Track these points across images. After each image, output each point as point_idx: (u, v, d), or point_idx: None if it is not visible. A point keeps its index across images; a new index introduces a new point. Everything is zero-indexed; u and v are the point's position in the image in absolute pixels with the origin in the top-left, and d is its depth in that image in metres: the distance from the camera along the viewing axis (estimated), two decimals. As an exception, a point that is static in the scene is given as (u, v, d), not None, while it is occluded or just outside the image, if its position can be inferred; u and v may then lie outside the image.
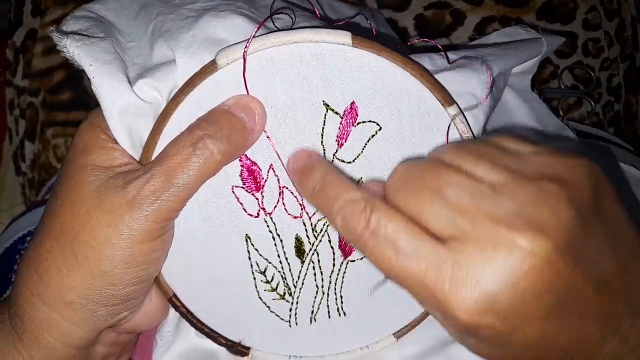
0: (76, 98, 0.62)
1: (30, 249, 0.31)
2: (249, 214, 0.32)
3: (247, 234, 0.33)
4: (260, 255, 0.33)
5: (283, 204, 0.32)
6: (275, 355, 0.36)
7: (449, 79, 0.32)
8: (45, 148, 0.64)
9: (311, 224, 0.33)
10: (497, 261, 0.24)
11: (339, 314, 0.35)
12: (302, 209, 0.32)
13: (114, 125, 0.30)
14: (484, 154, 0.27)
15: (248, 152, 0.31)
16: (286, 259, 0.33)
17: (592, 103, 0.59)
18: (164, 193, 0.29)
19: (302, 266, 0.34)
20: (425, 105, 0.31)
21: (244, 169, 0.31)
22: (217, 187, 0.31)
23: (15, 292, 0.31)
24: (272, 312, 0.35)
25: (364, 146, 0.32)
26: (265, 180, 0.32)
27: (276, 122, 0.31)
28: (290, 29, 0.31)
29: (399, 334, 0.36)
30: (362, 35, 0.30)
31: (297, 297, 0.34)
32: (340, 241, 0.33)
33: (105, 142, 0.31)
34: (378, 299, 0.35)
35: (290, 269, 0.34)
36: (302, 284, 0.34)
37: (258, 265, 0.33)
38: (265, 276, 0.34)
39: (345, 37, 0.30)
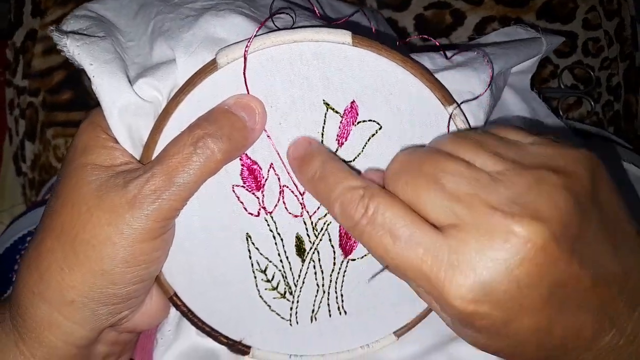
0: (76, 98, 0.62)
1: (30, 248, 0.31)
2: (249, 213, 0.32)
3: (247, 233, 0.33)
4: (261, 254, 0.33)
5: (283, 202, 0.32)
6: (276, 354, 0.36)
7: (449, 78, 0.32)
8: (45, 148, 0.64)
9: (312, 222, 0.33)
10: (493, 248, 0.24)
11: (340, 313, 0.35)
12: (302, 208, 0.32)
13: (114, 124, 0.30)
14: (483, 143, 0.27)
15: (248, 151, 0.31)
16: (287, 257, 0.33)
17: (592, 102, 0.59)
18: (164, 192, 0.29)
19: (302, 265, 0.34)
20: (426, 104, 0.31)
21: (245, 168, 0.31)
22: (217, 186, 0.31)
23: (16, 291, 0.31)
24: (272, 311, 0.35)
25: (364, 145, 0.32)
26: (266, 179, 0.32)
27: (276, 122, 0.31)
28: (291, 28, 0.31)
29: (400, 333, 0.36)
30: (362, 34, 0.30)
31: (298, 296, 0.34)
32: (340, 240, 0.33)
33: (105, 142, 0.31)
34: (379, 297, 0.35)
35: (290, 268, 0.34)
36: (303, 282, 0.34)
37: (259, 264, 0.33)
38: (266, 275, 0.34)
39: (345, 36, 0.30)
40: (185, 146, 0.29)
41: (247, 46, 0.30)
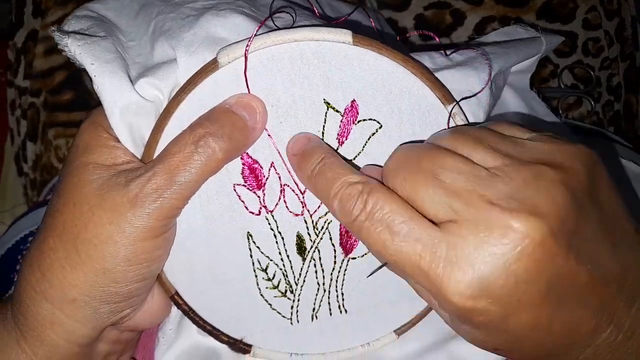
0: (77, 98, 0.62)
1: (32, 247, 0.31)
2: (250, 212, 0.32)
3: (248, 232, 0.33)
4: (262, 252, 0.33)
5: (284, 201, 0.32)
6: (276, 353, 0.36)
7: (449, 78, 0.33)
8: (47, 149, 0.64)
9: (312, 221, 0.33)
10: (491, 244, 0.24)
11: (340, 312, 0.35)
12: (303, 207, 0.33)
13: (115, 123, 0.30)
14: (481, 139, 0.27)
15: (249, 150, 0.31)
16: (287, 256, 0.33)
17: (592, 102, 0.59)
18: (166, 191, 0.29)
19: (303, 264, 0.34)
20: (426, 103, 0.31)
21: (246, 167, 0.32)
22: (218, 185, 0.31)
23: (19, 290, 0.31)
24: (273, 309, 0.35)
25: (365, 144, 0.32)
26: (267, 178, 0.32)
27: (277, 121, 0.31)
28: (291, 27, 0.31)
29: (400, 331, 0.36)
30: (362, 33, 0.30)
31: (299, 295, 0.35)
32: (341, 238, 0.33)
33: (107, 141, 0.31)
34: (379, 296, 0.35)
35: (291, 267, 0.34)
36: (304, 281, 0.34)
37: (260, 263, 0.33)
38: (267, 274, 0.34)
39: (345, 35, 0.30)
40: (186, 145, 0.29)
41: (247, 45, 0.30)
